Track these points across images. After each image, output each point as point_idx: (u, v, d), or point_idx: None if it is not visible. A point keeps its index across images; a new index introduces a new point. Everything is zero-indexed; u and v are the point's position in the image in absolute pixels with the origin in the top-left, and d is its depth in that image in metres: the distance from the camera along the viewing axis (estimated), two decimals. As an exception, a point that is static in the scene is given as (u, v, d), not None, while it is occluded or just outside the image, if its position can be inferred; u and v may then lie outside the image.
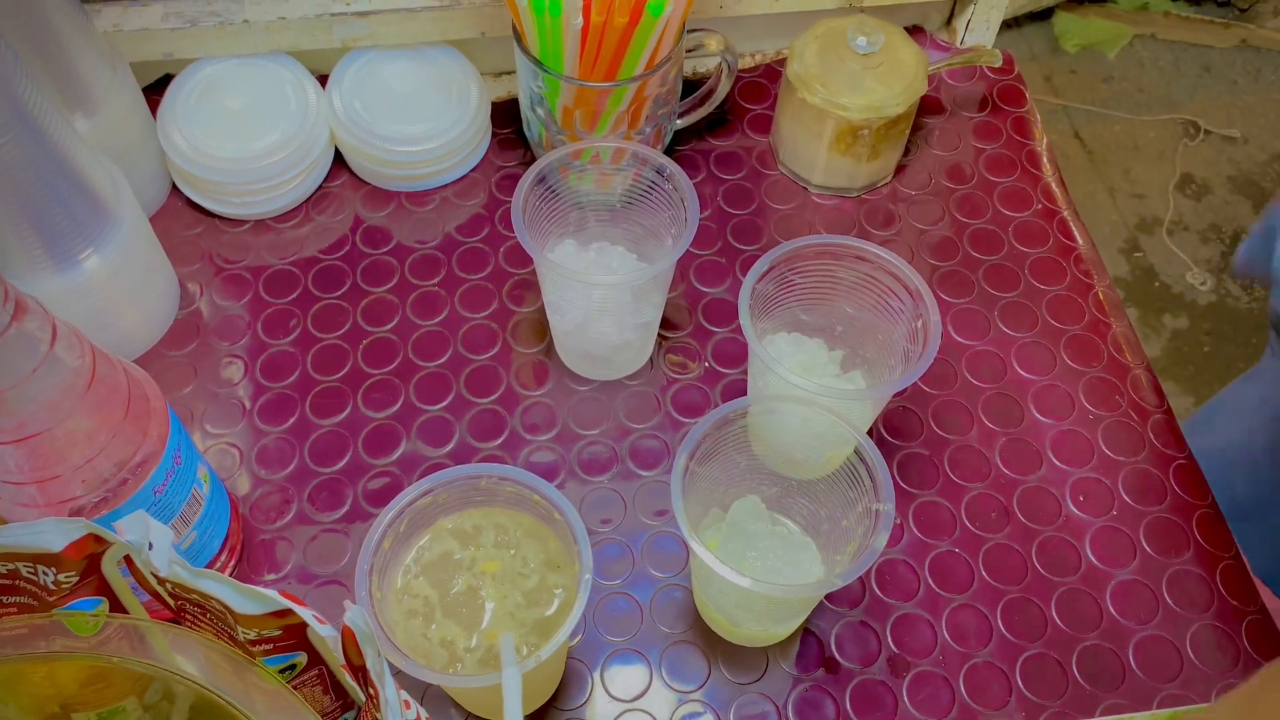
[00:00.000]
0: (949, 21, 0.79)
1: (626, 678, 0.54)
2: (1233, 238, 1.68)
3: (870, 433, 0.60)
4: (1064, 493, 0.60)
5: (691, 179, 0.56)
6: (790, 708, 0.53)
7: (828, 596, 0.56)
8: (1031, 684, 0.54)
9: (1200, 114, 1.82)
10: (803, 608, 0.52)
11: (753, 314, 0.53)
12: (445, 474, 0.47)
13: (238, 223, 0.69)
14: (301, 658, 0.42)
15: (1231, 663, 0.55)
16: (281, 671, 0.43)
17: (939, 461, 0.61)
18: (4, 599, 0.42)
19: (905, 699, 0.54)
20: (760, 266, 0.54)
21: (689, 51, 0.67)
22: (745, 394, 0.61)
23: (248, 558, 0.57)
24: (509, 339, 0.65)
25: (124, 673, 0.42)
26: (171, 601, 0.42)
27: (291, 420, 0.61)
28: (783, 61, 0.75)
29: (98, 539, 0.40)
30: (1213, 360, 1.56)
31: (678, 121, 0.70)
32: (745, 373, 0.63)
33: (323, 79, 0.70)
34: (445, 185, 0.71)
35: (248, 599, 0.39)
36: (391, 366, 0.63)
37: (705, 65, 0.76)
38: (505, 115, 0.73)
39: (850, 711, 0.53)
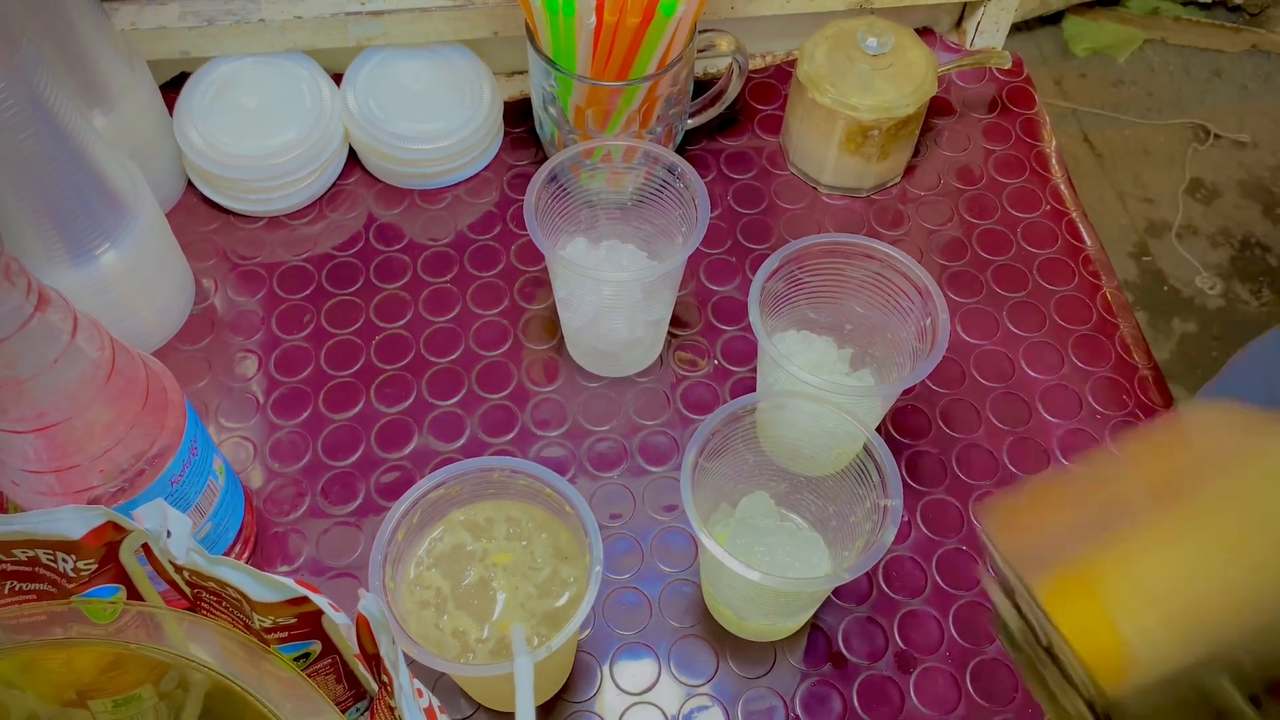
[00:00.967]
0: (959, 23, 0.79)
1: (635, 671, 0.54)
2: (1242, 242, 1.68)
3: (879, 431, 0.61)
4: (1071, 491, 0.60)
5: (702, 178, 0.56)
6: (798, 702, 0.54)
7: (835, 592, 0.57)
8: (1038, 681, 0.54)
9: (1210, 118, 1.82)
10: (811, 602, 0.53)
11: (762, 312, 0.53)
12: (458, 467, 0.48)
13: (252, 219, 0.69)
14: (316, 646, 0.43)
15: (1237, 661, 0.55)
16: (296, 660, 0.43)
17: (947, 460, 0.61)
18: (23, 586, 0.42)
19: (912, 694, 0.54)
20: (770, 264, 0.54)
21: (700, 52, 0.67)
22: (754, 391, 0.61)
23: (261, 550, 0.58)
24: (520, 335, 0.65)
25: (140, 660, 0.42)
26: (188, 590, 0.43)
27: (305, 414, 0.62)
28: (793, 62, 0.76)
29: (116, 527, 0.40)
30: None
31: (689, 121, 0.70)
32: (754, 371, 0.64)
33: (337, 77, 0.70)
34: (458, 183, 0.71)
35: (264, 586, 0.39)
36: (404, 362, 0.64)
37: (716, 65, 0.77)
38: (518, 114, 0.74)
39: (857, 706, 0.54)
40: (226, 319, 0.65)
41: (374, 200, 0.71)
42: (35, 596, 0.42)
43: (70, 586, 0.42)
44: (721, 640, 0.55)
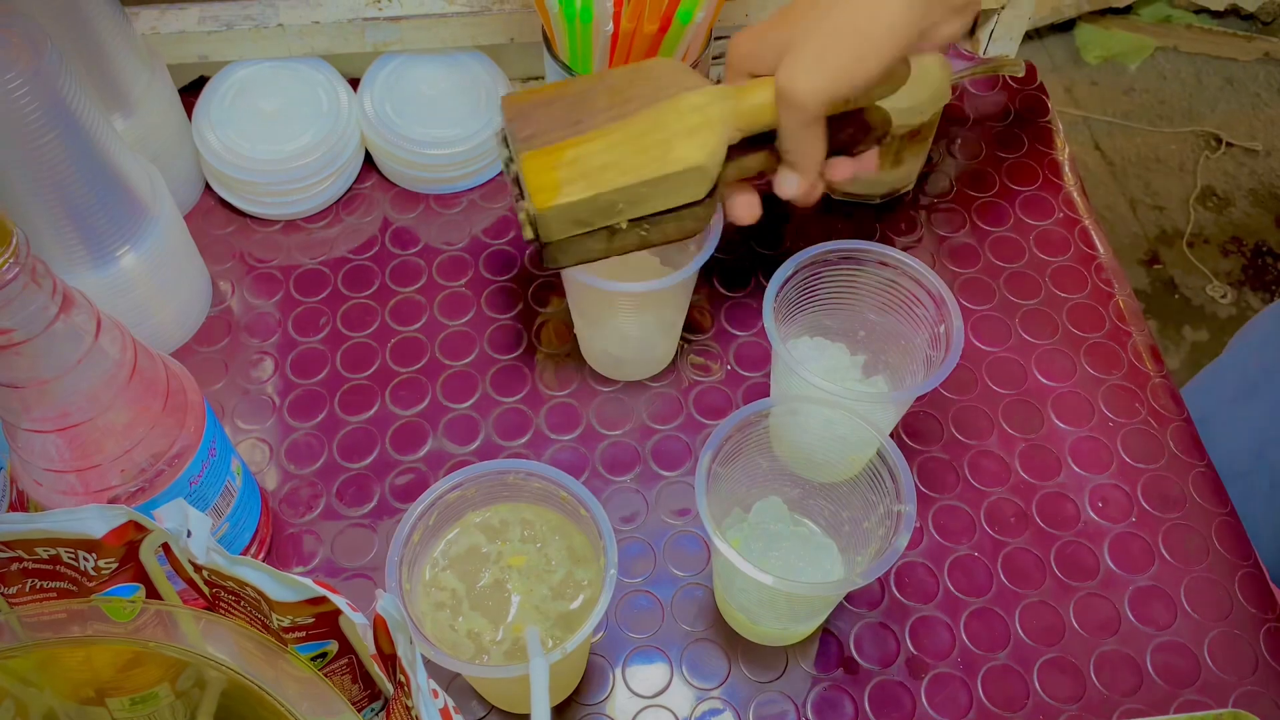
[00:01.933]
0: (972, 32, 0.79)
1: (647, 674, 0.55)
2: (1253, 250, 1.68)
3: (891, 438, 0.61)
4: (1083, 499, 0.60)
5: (717, 184, 0.57)
6: (809, 707, 0.54)
7: (847, 598, 0.57)
8: (1049, 687, 0.55)
9: (1222, 126, 1.82)
10: (823, 607, 0.53)
11: (776, 318, 0.53)
12: (474, 469, 0.48)
13: (269, 222, 0.70)
14: (333, 646, 0.43)
15: (1249, 670, 0.55)
16: (313, 659, 0.43)
17: (959, 466, 0.61)
18: (44, 584, 0.43)
19: (923, 700, 0.54)
20: (784, 271, 0.54)
21: (716, 59, 0.68)
22: (768, 397, 0.61)
23: (276, 550, 0.58)
24: (534, 340, 0.65)
25: (158, 658, 0.42)
26: (207, 589, 0.43)
27: (321, 416, 0.62)
28: (807, 69, 0.76)
29: (138, 526, 0.41)
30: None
31: (703, 127, 0.71)
32: (767, 376, 0.64)
33: (354, 82, 0.71)
34: (473, 188, 0.72)
35: (284, 586, 0.40)
36: (419, 365, 0.64)
37: (730, 72, 0.77)
38: (532, 120, 0.74)
39: (869, 711, 0.54)
40: (243, 321, 0.66)
41: (390, 204, 0.71)
42: (56, 595, 0.43)
43: (90, 585, 0.42)
44: (733, 644, 0.56)
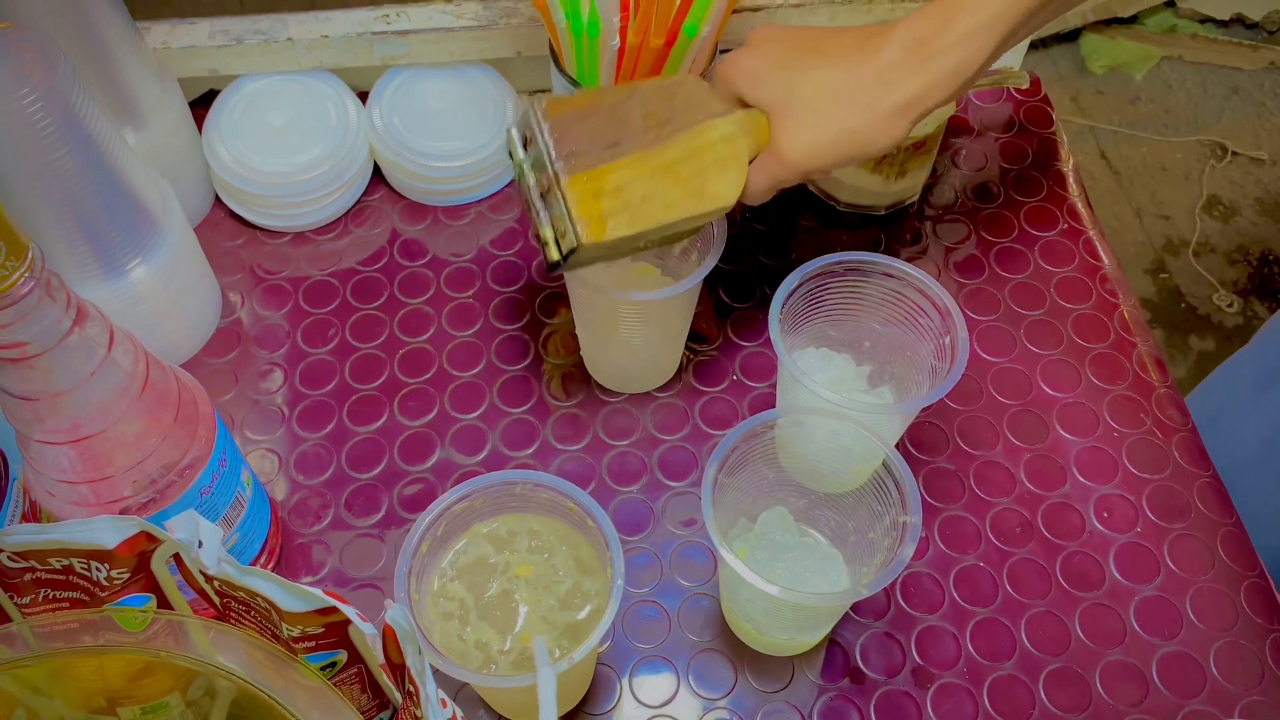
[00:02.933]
0: (977, 43, 0.79)
1: (654, 684, 0.55)
2: (1259, 259, 1.68)
3: (896, 449, 0.61)
4: (1088, 509, 0.60)
5: (723, 196, 0.57)
6: (815, 717, 0.54)
7: (853, 608, 0.57)
8: (1054, 697, 0.55)
9: (1227, 136, 1.82)
10: (829, 617, 0.53)
11: (782, 329, 0.54)
12: (482, 480, 0.48)
13: (279, 234, 0.70)
14: (342, 656, 0.44)
15: (1255, 680, 0.55)
16: (322, 669, 0.44)
17: (964, 476, 0.62)
18: (57, 594, 0.43)
19: (929, 710, 0.54)
20: (790, 282, 0.55)
21: (721, 71, 0.68)
22: (773, 408, 0.62)
23: (285, 561, 0.58)
24: (541, 350, 0.66)
25: (169, 668, 0.43)
26: (217, 599, 0.43)
27: (329, 427, 0.63)
28: (812, 81, 0.76)
29: (149, 537, 0.41)
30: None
31: (709, 139, 0.71)
32: (773, 386, 0.64)
33: (363, 96, 0.72)
34: (480, 200, 0.72)
35: (294, 596, 0.40)
36: (427, 376, 0.65)
37: (736, 85, 0.77)
38: (539, 132, 0.75)
39: (875, 721, 0.54)
40: (253, 332, 0.66)
41: (398, 216, 0.72)
42: (68, 604, 0.43)
43: (102, 595, 0.43)
44: (740, 654, 0.56)
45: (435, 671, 0.44)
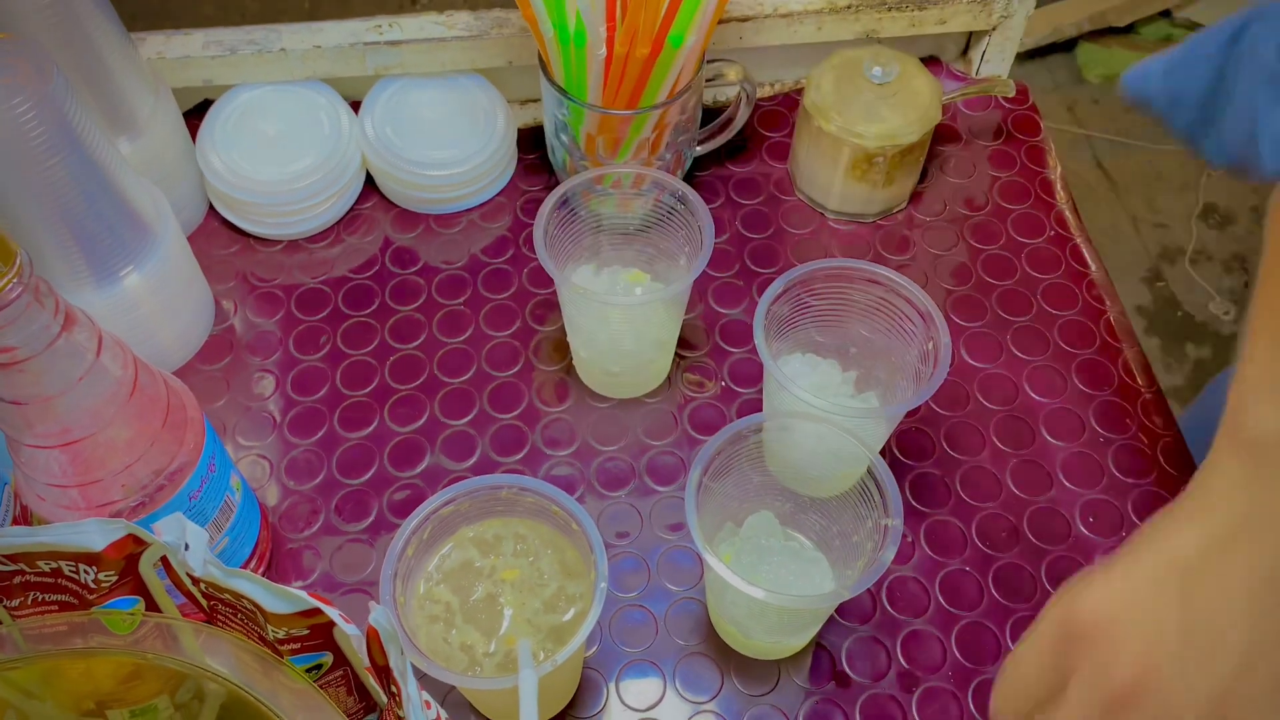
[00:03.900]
0: (965, 52, 0.80)
1: (641, 688, 0.55)
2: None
3: (883, 453, 0.62)
4: (1074, 514, 0.61)
5: (711, 204, 0.58)
6: (801, 720, 0.55)
7: (839, 611, 0.57)
8: (1040, 701, 0.55)
9: (1223, 144, 1.83)
10: (814, 620, 0.54)
11: (768, 335, 0.54)
12: (467, 484, 0.49)
13: (271, 243, 0.71)
14: (328, 658, 0.44)
15: (1239, 683, 0.56)
16: (308, 671, 0.44)
17: (950, 481, 0.62)
18: (45, 597, 0.43)
19: (915, 713, 0.55)
20: (775, 288, 0.55)
21: (709, 81, 0.69)
22: (760, 413, 0.62)
23: (276, 565, 0.59)
24: (531, 357, 0.66)
25: (158, 671, 0.43)
26: (205, 602, 0.44)
27: (320, 433, 0.63)
28: (801, 90, 0.77)
29: (137, 539, 0.42)
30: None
31: (697, 148, 0.72)
32: (761, 392, 0.65)
33: (355, 105, 0.72)
34: (472, 208, 0.73)
35: (278, 598, 0.41)
36: (418, 382, 0.65)
37: (725, 94, 0.78)
38: (531, 141, 0.75)
39: (860, 724, 0.54)
40: (245, 340, 0.67)
41: (390, 224, 0.72)
42: (57, 607, 0.44)
43: (91, 598, 0.43)
44: (726, 658, 0.56)
45: (423, 676, 0.45)
